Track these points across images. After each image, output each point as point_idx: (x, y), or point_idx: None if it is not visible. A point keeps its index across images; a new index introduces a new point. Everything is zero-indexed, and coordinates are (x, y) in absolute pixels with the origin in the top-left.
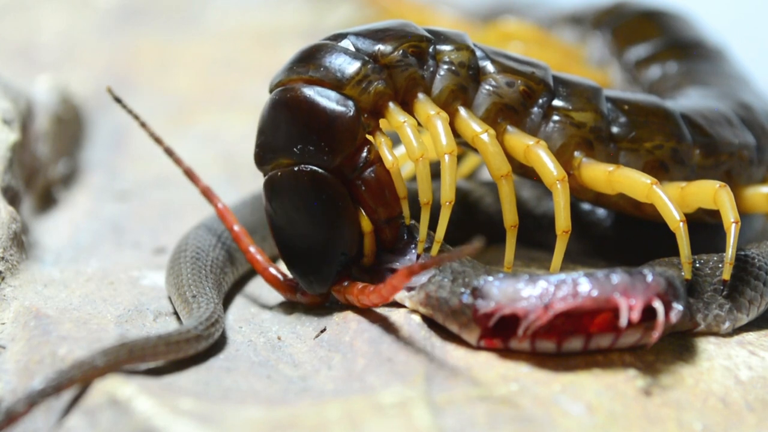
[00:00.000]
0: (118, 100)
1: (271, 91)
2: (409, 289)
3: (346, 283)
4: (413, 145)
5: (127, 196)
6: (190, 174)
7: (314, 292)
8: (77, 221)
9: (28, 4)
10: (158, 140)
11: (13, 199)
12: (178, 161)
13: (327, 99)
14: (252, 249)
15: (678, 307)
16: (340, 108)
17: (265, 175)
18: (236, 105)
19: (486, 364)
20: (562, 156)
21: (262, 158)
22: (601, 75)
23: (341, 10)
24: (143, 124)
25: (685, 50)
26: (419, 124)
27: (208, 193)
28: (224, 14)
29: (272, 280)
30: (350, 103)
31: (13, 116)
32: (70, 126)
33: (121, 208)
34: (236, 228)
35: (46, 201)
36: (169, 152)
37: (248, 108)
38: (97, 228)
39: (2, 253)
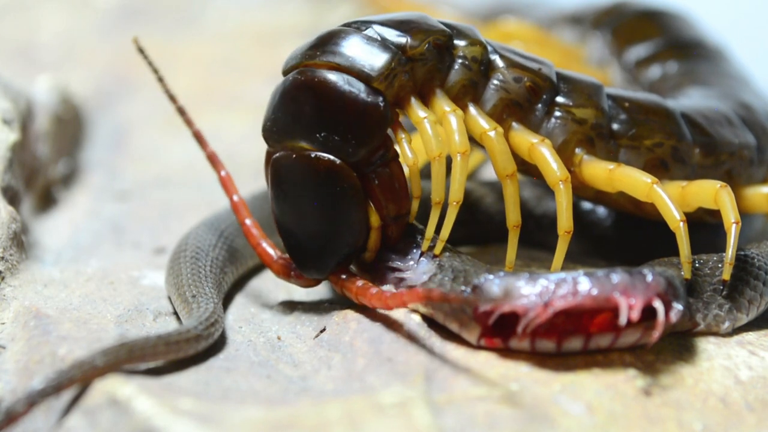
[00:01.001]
0: (141, 51)
1: (288, 71)
2: (410, 287)
3: (344, 276)
4: (432, 143)
5: (127, 196)
6: (198, 137)
7: (310, 277)
8: (77, 221)
9: (28, 4)
10: (172, 98)
11: (13, 199)
12: (189, 122)
13: (358, 91)
14: (248, 222)
15: (678, 306)
16: (371, 101)
17: (272, 152)
18: (236, 105)
19: (486, 364)
20: (564, 153)
21: (275, 135)
22: (601, 75)
23: (341, 9)
24: (161, 79)
25: (685, 50)
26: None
27: (213, 159)
28: (224, 14)
29: (265, 257)
30: (380, 97)
31: (13, 116)
32: (70, 126)
33: (121, 208)
34: (236, 198)
35: (46, 201)
36: (181, 111)
37: (248, 108)
38: (97, 228)
39: (2, 253)
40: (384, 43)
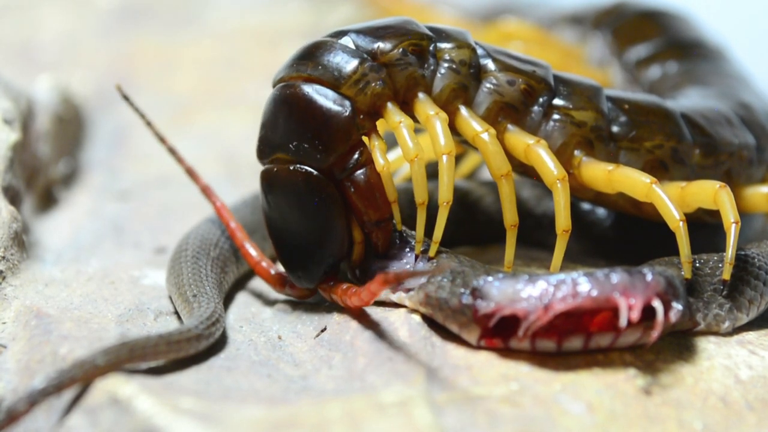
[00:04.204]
0: (126, 98)
1: (273, 86)
2: (408, 289)
3: (332, 283)
4: (408, 145)
5: (128, 195)
6: (186, 167)
7: (301, 286)
8: (78, 221)
9: (28, 4)
10: (162, 139)
11: (14, 199)
12: (180, 159)
13: (324, 97)
14: (232, 223)
15: (677, 306)
16: (336, 107)
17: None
18: (236, 105)
19: (486, 364)
20: (563, 155)
21: (262, 152)
22: (601, 75)
23: (341, 10)
24: (149, 124)
25: (685, 50)
26: (419, 123)
27: (200, 183)
28: (224, 14)
29: (263, 273)
30: (347, 102)
31: (14, 116)
32: (71, 126)
33: (122, 207)
34: (233, 225)
35: (47, 200)
36: (172, 151)
37: (248, 108)
38: (97, 227)
39: (3, 253)
40: (355, 51)
